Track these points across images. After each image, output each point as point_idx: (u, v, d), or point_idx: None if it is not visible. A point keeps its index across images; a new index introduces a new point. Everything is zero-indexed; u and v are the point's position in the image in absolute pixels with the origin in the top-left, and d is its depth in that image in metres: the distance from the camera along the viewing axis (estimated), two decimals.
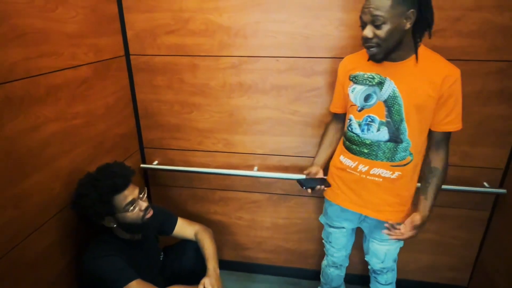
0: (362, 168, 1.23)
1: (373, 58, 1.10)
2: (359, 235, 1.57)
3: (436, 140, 1.20)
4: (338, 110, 1.37)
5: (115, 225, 1.21)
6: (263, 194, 1.84)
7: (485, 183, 1.59)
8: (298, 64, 1.53)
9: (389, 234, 1.21)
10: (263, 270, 2.05)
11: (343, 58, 1.30)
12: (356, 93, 1.20)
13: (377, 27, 1.03)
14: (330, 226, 1.51)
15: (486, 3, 1.31)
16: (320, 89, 1.56)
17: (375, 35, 1.04)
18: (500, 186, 1.59)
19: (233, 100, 1.65)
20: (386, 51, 1.07)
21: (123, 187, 1.19)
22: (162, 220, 1.48)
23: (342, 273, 1.66)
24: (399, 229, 1.20)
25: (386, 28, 1.02)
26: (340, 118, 1.39)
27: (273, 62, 1.54)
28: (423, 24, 1.07)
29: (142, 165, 1.81)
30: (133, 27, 1.58)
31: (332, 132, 1.42)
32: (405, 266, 1.88)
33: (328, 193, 1.45)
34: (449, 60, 1.38)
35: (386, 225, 1.21)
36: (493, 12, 1.32)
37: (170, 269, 1.50)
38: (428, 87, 1.09)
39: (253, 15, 1.47)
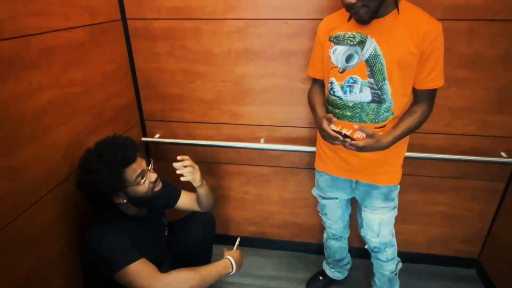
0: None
1: (361, 20, 1.05)
2: (355, 207, 1.53)
3: (420, 97, 1.16)
4: (317, 75, 1.29)
5: (125, 201, 1.15)
6: (270, 168, 1.78)
7: (502, 153, 1.52)
8: (308, 27, 1.42)
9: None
10: (270, 245, 2.02)
11: None
12: (337, 54, 1.14)
13: None
14: (323, 198, 1.48)
15: None
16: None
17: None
18: None
19: (239, 68, 1.55)
20: (374, 10, 1.01)
21: (133, 159, 1.13)
22: (167, 193, 1.43)
23: (344, 244, 1.64)
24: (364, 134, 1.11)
25: None
26: (320, 83, 1.30)
27: (282, 25, 1.43)
28: None
29: (143, 139, 1.73)
30: None
31: (319, 92, 1.30)
32: (414, 238, 1.85)
33: (318, 164, 1.41)
34: (472, 20, 1.31)
35: (355, 126, 1.12)
36: None
37: (177, 245, 1.46)
38: (410, 43, 1.05)
39: None
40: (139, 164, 1.15)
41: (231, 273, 1.24)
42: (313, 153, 1.64)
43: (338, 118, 1.18)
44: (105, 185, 1.07)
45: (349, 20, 1.12)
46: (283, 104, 1.59)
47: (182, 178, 1.31)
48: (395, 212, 1.37)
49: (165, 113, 1.71)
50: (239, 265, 1.28)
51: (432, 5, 1.30)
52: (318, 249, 1.94)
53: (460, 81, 1.42)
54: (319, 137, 1.36)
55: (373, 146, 1.10)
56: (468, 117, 1.49)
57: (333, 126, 1.14)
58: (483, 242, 1.81)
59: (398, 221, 1.41)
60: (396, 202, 1.36)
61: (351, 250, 1.70)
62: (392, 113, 1.15)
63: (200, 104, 1.66)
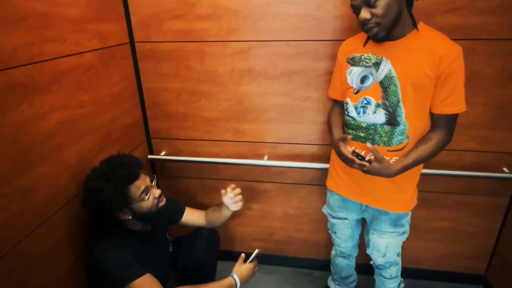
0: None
1: (376, 38, 1.06)
2: (364, 226, 1.53)
3: (437, 122, 1.13)
4: (337, 96, 1.31)
5: (130, 217, 1.18)
6: (274, 184, 1.80)
7: (504, 169, 1.53)
8: (309, 48, 1.47)
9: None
10: (274, 261, 2.01)
11: None
12: (353, 75, 1.16)
13: (372, 6, 0.99)
14: (333, 217, 1.48)
15: None
16: (333, 73, 1.49)
17: (373, 15, 1.00)
18: None
19: (242, 87, 1.59)
20: (388, 28, 1.03)
21: (137, 176, 1.16)
22: (171, 209, 1.46)
23: (351, 262, 1.63)
24: (373, 158, 1.11)
25: (381, 3, 0.98)
26: (340, 104, 1.33)
27: (283, 46, 1.48)
28: None
29: (149, 156, 1.77)
30: (138, 13, 1.52)
31: (338, 113, 1.33)
32: (420, 255, 1.84)
33: (330, 183, 1.41)
34: (468, 40, 1.34)
35: (368, 145, 1.10)
36: None
37: (181, 261, 1.47)
38: (425, 66, 1.04)
39: None
40: (143, 181, 1.18)
41: None
42: (316, 169, 1.67)
43: (351, 139, 1.19)
44: (110, 202, 1.10)
45: (365, 44, 1.14)
46: (285, 122, 1.63)
47: (232, 207, 1.46)
48: (403, 237, 1.35)
49: (171, 131, 1.76)
50: (244, 282, 1.29)
51: (429, 25, 1.33)
52: (323, 265, 1.94)
53: None
54: (333, 156, 1.37)
55: (379, 171, 1.11)
56: (469, 133, 1.51)
57: (347, 147, 1.15)
58: (490, 258, 1.79)
59: None
60: (406, 228, 1.34)
61: (356, 266, 1.69)
62: (407, 137, 1.13)
63: (205, 122, 1.70)
